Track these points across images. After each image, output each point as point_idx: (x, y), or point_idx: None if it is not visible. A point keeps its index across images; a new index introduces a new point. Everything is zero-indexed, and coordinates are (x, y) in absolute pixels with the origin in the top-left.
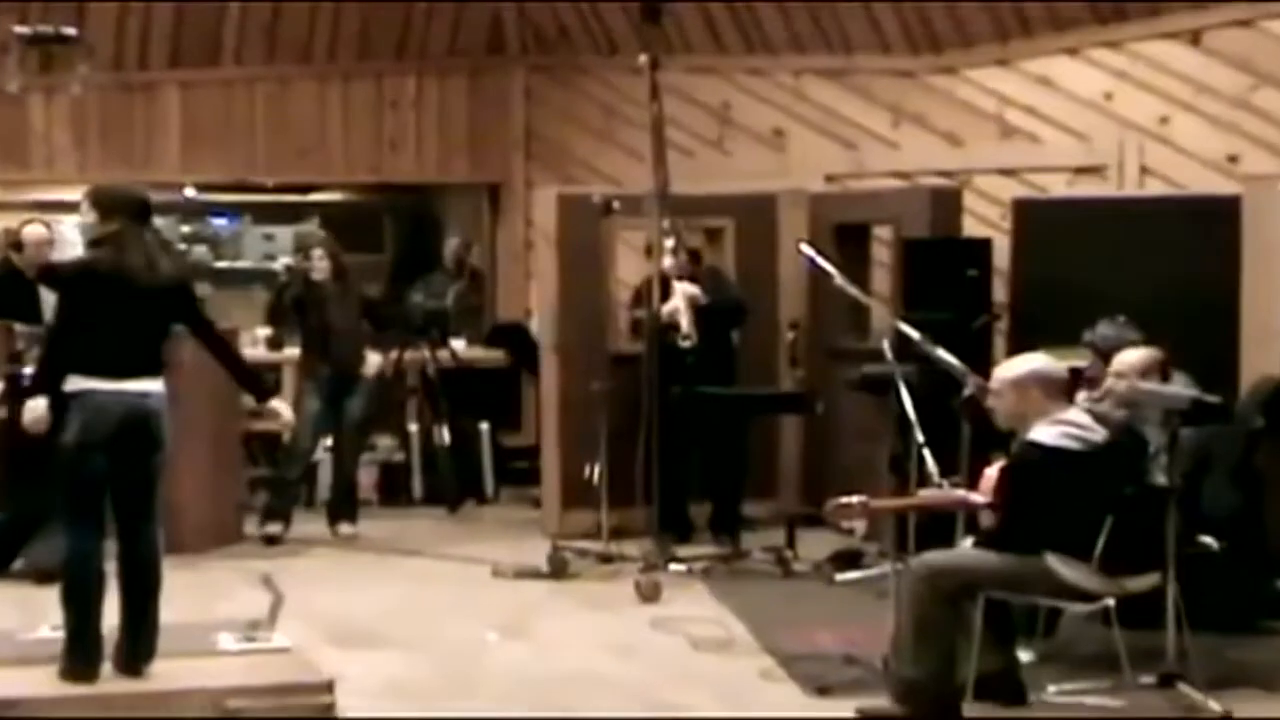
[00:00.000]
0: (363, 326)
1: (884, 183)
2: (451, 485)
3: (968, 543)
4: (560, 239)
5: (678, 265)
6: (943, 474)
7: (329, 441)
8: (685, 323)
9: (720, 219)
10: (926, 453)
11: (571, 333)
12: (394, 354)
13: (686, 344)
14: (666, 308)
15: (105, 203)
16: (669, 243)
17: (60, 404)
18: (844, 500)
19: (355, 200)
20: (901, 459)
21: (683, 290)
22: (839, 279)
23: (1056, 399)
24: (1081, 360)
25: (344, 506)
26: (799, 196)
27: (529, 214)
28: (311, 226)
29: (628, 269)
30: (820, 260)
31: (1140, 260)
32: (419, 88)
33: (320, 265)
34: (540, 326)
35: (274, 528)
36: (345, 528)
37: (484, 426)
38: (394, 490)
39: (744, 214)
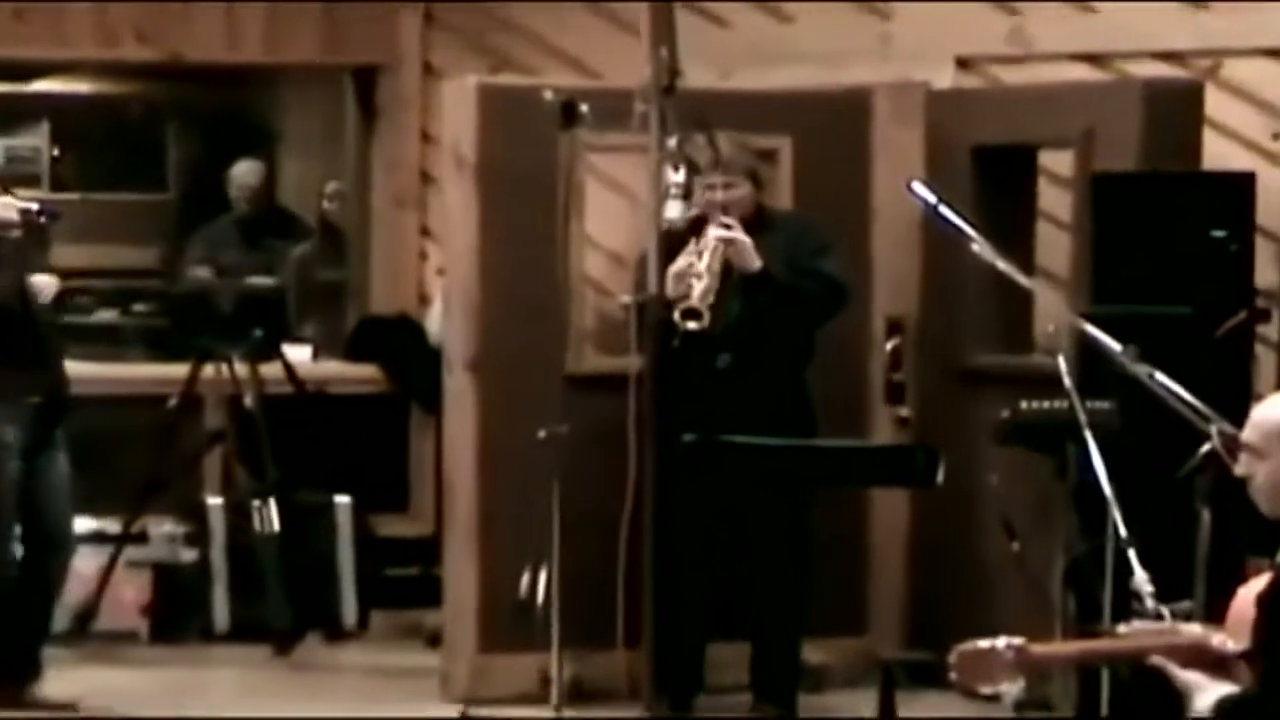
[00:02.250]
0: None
1: (1061, 70)
2: (281, 607)
3: (1206, 713)
4: (484, 167)
5: (729, 201)
6: (1161, 596)
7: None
8: (700, 289)
9: (770, 136)
10: (1133, 557)
11: (502, 337)
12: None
13: (693, 325)
14: (676, 265)
15: None
16: (674, 177)
17: None
18: (982, 644)
19: (115, 95)
20: (1086, 567)
21: (715, 236)
22: (978, 245)
23: None
24: None
25: (56, 641)
26: (909, 96)
27: (428, 123)
28: (36, 139)
29: (606, 224)
30: (946, 212)
31: None
32: None
33: None
34: (445, 325)
35: None
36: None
37: (342, 502)
38: (179, 615)
39: (811, 127)
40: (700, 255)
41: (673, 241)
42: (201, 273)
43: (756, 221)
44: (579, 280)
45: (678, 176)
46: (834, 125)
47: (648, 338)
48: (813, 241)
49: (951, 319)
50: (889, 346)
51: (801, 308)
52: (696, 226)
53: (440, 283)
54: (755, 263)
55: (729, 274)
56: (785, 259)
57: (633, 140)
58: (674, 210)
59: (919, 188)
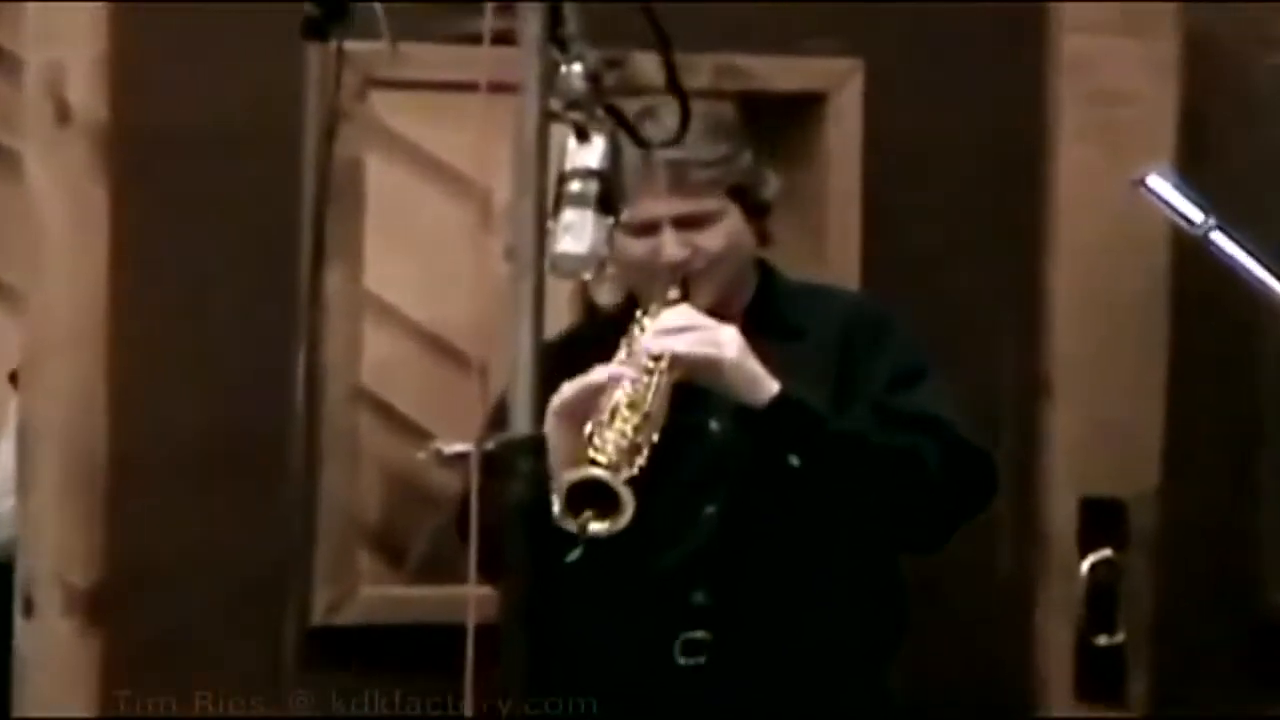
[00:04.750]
0: None
1: None
2: None
3: None
4: (123, 131)
5: (692, 262)
6: None
7: None
8: (613, 441)
9: (816, 57)
10: None
11: (162, 534)
12: None
13: (596, 526)
14: (578, 385)
15: None
16: (582, 157)
17: None
18: None
19: None
20: None
21: (657, 338)
22: None
23: None
24: None
25: None
26: None
27: None
28: None
29: (415, 265)
30: (1225, 243)
31: None
32: None
33: None
34: (23, 500)
35: None
36: None
37: None
38: None
39: (907, 44)
40: (622, 379)
41: (583, 336)
42: None
43: (761, 302)
44: (348, 400)
45: (588, 155)
46: (961, 38)
47: (509, 542)
48: (898, 350)
49: (1238, 502)
50: (1086, 566)
51: (886, 503)
52: (625, 317)
53: (12, 397)
54: (767, 386)
55: (701, 420)
56: (832, 387)
57: (477, 70)
58: (577, 239)
59: (1161, 185)
